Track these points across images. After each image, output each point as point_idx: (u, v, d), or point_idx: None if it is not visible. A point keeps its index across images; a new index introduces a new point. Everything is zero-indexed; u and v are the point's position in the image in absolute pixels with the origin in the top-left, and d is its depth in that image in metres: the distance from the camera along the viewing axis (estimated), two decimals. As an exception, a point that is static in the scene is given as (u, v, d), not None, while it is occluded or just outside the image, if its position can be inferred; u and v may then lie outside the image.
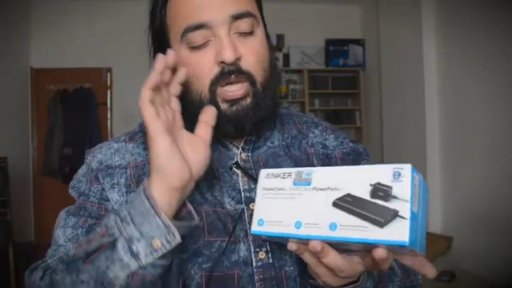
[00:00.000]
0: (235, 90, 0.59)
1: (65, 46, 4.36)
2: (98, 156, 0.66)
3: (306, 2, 4.68)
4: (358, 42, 4.85)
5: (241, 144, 0.67)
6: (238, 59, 0.58)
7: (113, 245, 0.49)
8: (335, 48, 4.83)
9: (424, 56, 3.26)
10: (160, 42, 0.65)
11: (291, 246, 0.46)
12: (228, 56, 0.57)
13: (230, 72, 0.58)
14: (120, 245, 0.48)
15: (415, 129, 3.38)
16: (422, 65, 3.27)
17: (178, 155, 0.49)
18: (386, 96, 4.01)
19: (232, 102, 0.59)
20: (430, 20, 3.26)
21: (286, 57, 4.77)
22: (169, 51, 0.51)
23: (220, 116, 0.59)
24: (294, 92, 4.81)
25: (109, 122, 4.59)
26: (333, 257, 0.43)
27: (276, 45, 4.59)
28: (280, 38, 4.68)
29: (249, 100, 0.60)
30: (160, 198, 0.49)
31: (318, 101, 4.82)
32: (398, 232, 0.38)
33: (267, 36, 0.66)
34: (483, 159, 2.75)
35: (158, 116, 0.49)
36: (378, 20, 4.16)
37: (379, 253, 0.40)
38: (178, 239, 0.49)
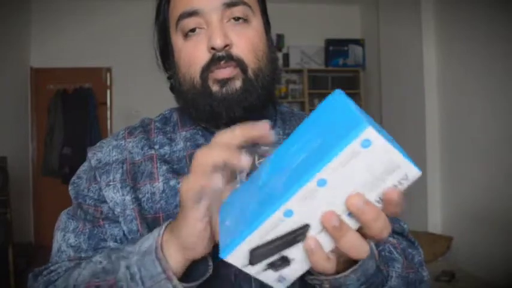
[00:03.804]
0: (224, 71, 0.59)
1: (65, 46, 4.36)
2: (97, 154, 0.67)
3: (306, 2, 4.68)
4: (358, 42, 4.84)
5: None
6: (228, 45, 0.58)
7: None
8: (335, 48, 4.83)
9: (424, 56, 3.26)
10: (164, 37, 0.66)
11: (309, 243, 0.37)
12: (218, 42, 0.57)
13: (220, 58, 0.58)
14: None
15: (415, 129, 3.38)
16: (422, 65, 3.27)
17: (207, 236, 0.45)
18: (386, 96, 4.00)
19: (223, 82, 0.59)
20: (430, 20, 3.26)
21: (286, 57, 4.77)
22: (264, 123, 0.42)
23: (212, 98, 0.60)
24: (294, 92, 4.81)
25: (109, 121, 4.59)
26: (352, 234, 0.36)
27: (275, 45, 4.59)
28: (280, 38, 4.68)
29: (238, 84, 0.59)
30: (174, 261, 0.47)
31: (318, 101, 4.82)
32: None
33: (266, 30, 0.65)
34: (483, 159, 2.75)
35: (206, 192, 0.42)
36: (378, 20, 4.15)
37: (351, 199, 0.34)
38: None
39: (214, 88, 0.60)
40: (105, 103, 4.58)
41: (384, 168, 0.34)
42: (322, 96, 4.81)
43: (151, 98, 3.56)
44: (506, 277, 2.44)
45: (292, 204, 0.34)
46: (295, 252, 0.38)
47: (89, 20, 4.41)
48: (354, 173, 0.34)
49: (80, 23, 4.40)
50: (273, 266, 0.38)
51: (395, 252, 0.61)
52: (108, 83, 4.58)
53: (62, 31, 4.37)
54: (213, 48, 0.58)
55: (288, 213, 0.35)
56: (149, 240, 0.49)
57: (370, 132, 0.32)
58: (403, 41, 3.56)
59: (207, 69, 0.59)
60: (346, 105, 0.37)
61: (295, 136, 0.40)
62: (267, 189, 0.38)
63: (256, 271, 0.39)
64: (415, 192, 3.33)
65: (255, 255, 0.37)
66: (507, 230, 2.50)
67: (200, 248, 0.46)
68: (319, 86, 4.78)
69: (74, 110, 4.33)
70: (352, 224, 0.36)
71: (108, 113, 4.59)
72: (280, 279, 0.40)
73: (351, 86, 4.82)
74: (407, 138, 3.53)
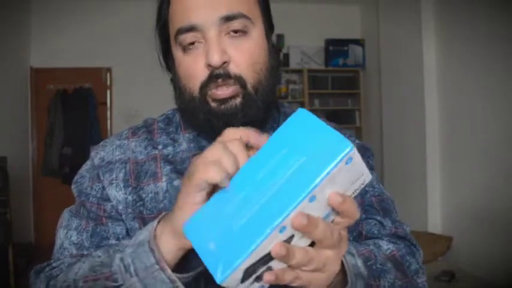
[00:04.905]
0: (224, 91, 0.59)
1: (65, 46, 4.36)
2: (100, 153, 0.67)
3: (306, 2, 4.68)
4: (358, 42, 4.85)
5: None
6: (225, 62, 0.58)
7: None
8: (335, 48, 4.83)
9: (424, 56, 3.26)
10: (165, 39, 0.66)
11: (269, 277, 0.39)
12: (215, 60, 0.57)
13: (218, 76, 0.58)
14: None
15: (415, 129, 3.38)
16: (422, 65, 3.27)
17: None
18: (386, 96, 4.00)
19: (222, 101, 0.59)
20: (430, 20, 3.26)
21: (286, 57, 4.77)
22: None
23: (211, 114, 0.60)
24: (293, 92, 4.81)
25: (109, 121, 4.59)
26: (298, 252, 0.39)
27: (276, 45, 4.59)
28: (279, 38, 4.68)
29: (238, 100, 0.59)
30: (167, 251, 0.48)
31: (317, 101, 4.82)
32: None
33: (268, 36, 0.65)
34: (483, 159, 2.75)
35: (210, 181, 0.42)
36: (378, 20, 4.15)
37: (333, 198, 0.38)
38: None
39: (213, 104, 0.60)
40: (105, 103, 4.58)
41: (354, 177, 0.40)
42: (322, 96, 4.82)
43: (151, 98, 3.56)
44: (506, 277, 2.45)
45: (287, 221, 0.37)
46: (277, 262, 0.39)
47: (89, 20, 4.41)
48: (335, 185, 0.39)
49: (80, 23, 4.40)
50: (259, 278, 0.40)
51: (387, 264, 0.61)
52: (108, 83, 4.58)
53: (62, 31, 4.37)
54: (210, 65, 0.58)
55: (283, 229, 0.38)
56: (143, 233, 0.50)
57: (354, 152, 0.37)
58: (403, 41, 3.56)
59: (205, 85, 0.59)
60: (320, 123, 0.41)
61: (266, 150, 0.43)
62: (254, 207, 0.39)
63: (244, 287, 0.40)
64: (415, 192, 3.33)
65: (247, 273, 0.39)
66: (507, 230, 2.50)
67: None
68: (319, 86, 4.78)
69: (74, 110, 4.33)
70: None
71: (108, 113, 4.59)
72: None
73: (351, 86, 4.82)
74: (407, 138, 3.53)
